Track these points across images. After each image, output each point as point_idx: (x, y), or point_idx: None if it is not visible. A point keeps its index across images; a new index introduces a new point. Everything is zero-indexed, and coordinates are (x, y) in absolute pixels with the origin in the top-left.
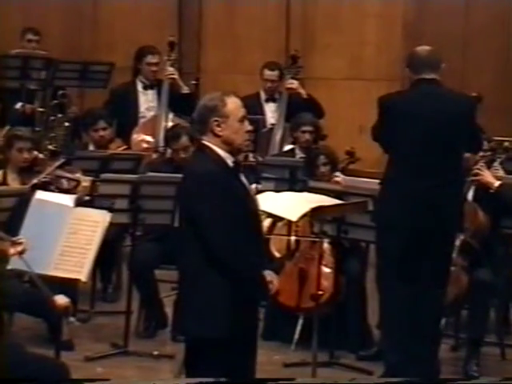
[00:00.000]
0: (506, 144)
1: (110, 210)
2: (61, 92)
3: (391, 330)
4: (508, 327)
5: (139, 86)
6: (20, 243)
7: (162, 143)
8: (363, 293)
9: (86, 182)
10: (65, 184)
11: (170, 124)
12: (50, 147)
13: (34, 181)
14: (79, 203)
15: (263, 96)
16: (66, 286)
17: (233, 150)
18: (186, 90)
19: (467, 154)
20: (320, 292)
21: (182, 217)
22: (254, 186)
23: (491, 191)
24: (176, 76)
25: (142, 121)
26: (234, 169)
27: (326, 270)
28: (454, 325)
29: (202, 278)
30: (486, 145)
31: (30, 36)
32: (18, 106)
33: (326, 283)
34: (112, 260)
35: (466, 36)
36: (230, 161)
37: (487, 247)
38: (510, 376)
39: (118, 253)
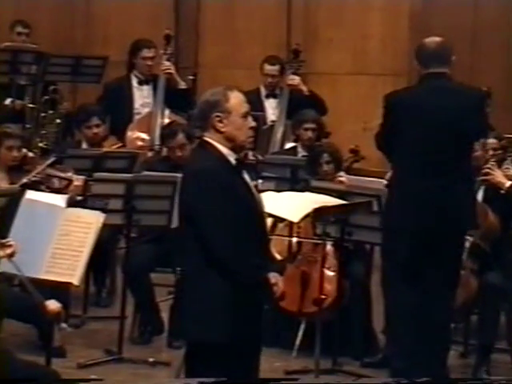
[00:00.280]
0: None
1: (104, 210)
2: (52, 87)
3: (397, 335)
4: None
5: (134, 81)
6: (9, 245)
7: (157, 141)
8: (368, 297)
9: (78, 181)
10: (56, 183)
11: (166, 121)
12: (40, 145)
13: (24, 180)
14: (71, 203)
15: (263, 92)
16: (58, 290)
17: (235, 147)
18: (182, 85)
19: (477, 153)
20: (323, 296)
21: (182, 216)
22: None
23: (502, 192)
24: (172, 71)
25: (136, 117)
26: (237, 166)
27: (329, 273)
28: (463, 330)
29: (202, 280)
30: (496, 143)
31: (19, 29)
32: (8, 101)
33: (329, 287)
34: (106, 263)
35: (475, 29)
36: (232, 158)
37: (497, 250)
38: None
39: (112, 255)
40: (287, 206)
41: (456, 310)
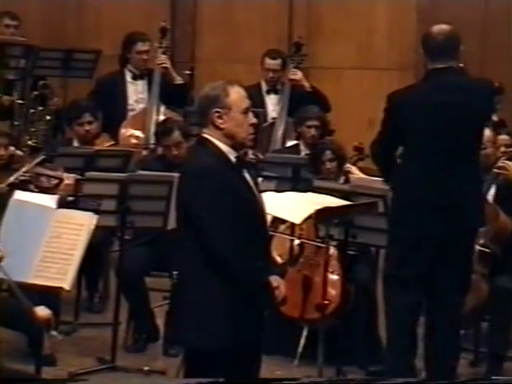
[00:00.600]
0: None
1: (96, 211)
2: (42, 82)
3: (395, 348)
4: None
5: (128, 76)
6: None
7: (152, 139)
8: (373, 302)
9: (69, 179)
10: (45, 182)
11: (162, 118)
12: (29, 143)
13: (11, 179)
14: (62, 204)
15: (264, 87)
16: (48, 295)
17: (235, 145)
18: (179, 80)
19: (487, 150)
20: (326, 302)
21: (180, 216)
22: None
23: None
24: (168, 65)
25: (130, 114)
26: (237, 164)
27: (333, 277)
28: (473, 337)
29: (201, 283)
30: (508, 139)
31: (7, 21)
32: None
33: (333, 292)
34: (98, 267)
35: (486, 22)
36: (232, 156)
37: (509, 252)
38: None
39: (105, 259)
40: (288, 206)
41: (465, 315)
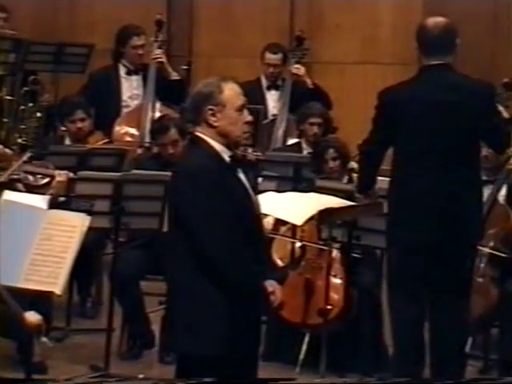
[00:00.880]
0: None
1: (89, 212)
2: (32, 78)
3: (402, 355)
4: None
5: (122, 71)
6: None
7: (147, 137)
8: (378, 307)
9: (61, 176)
10: (36, 180)
11: (157, 114)
12: (19, 141)
13: (1, 179)
14: (53, 205)
15: (264, 83)
16: (39, 300)
17: (229, 143)
18: (175, 76)
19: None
20: (329, 306)
21: (172, 218)
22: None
23: None
24: (164, 60)
25: (125, 111)
26: (231, 164)
27: (336, 281)
28: (483, 344)
29: (194, 288)
30: None
31: None
32: None
33: (336, 296)
34: (91, 270)
35: (496, 15)
36: (226, 155)
37: None
38: None
39: (98, 262)
40: (290, 207)
41: (474, 321)
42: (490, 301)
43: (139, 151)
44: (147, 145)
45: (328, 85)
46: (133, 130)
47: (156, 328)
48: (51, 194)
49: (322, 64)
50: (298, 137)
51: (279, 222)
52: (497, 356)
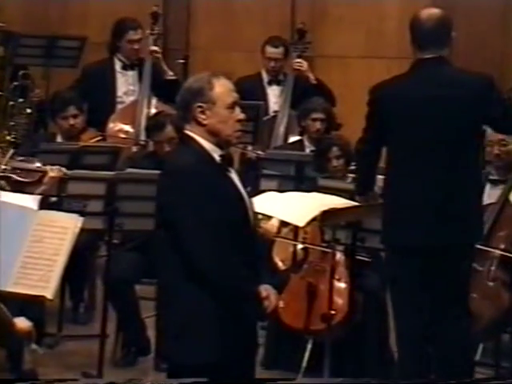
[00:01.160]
0: None
1: (82, 213)
2: (22, 72)
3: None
4: None
5: (117, 66)
6: None
7: (143, 134)
8: (384, 312)
9: (53, 172)
10: (27, 177)
11: (153, 111)
12: (8, 138)
13: None
14: (44, 205)
15: (265, 77)
16: (29, 305)
17: (220, 142)
18: (170, 75)
19: (509, 147)
20: (332, 311)
21: (159, 220)
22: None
23: None
24: (159, 56)
25: (119, 107)
26: (222, 164)
27: (340, 284)
28: (494, 352)
29: (183, 293)
30: None
31: None
32: None
33: (340, 301)
34: (84, 273)
35: (506, 9)
36: (216, 154)
37: None
38: None
39: (91, 265)
40: (291, 208)
41: (484, 327)
42: (501, 305)
43: (134, 149)
44: (142, 142)
45: (331, 80)
46: (127, 127)
47: (151, 334)
48: (43, 191)
49: (324, 58)
50: (300, 134)
51: (280, 223)
52: (508, 363)
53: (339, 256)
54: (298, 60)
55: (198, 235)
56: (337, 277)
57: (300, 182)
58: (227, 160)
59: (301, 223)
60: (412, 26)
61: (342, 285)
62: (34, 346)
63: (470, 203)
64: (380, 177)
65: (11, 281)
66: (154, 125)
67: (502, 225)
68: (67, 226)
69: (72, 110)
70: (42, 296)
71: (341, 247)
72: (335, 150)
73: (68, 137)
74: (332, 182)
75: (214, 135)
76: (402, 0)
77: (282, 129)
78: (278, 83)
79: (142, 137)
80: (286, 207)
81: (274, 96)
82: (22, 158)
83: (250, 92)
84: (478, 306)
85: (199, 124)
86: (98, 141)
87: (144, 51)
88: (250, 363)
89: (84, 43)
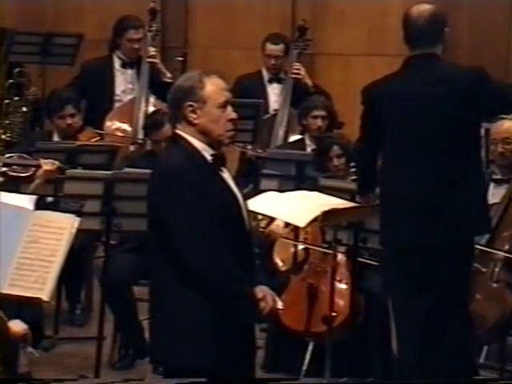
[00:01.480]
0: None
1: (79, 213)
2: (18, 70)
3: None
4: None
5: (116, 64)
6: None
7: (140, 133)
8: (386, 314)
9: (47, 165)
10: (20, 172)
11: (151, 109)
12: (3, 137)
13: None
14: (40, 205)
15: (266, 75)
16: (26, 307)
17: (212, 142)
18: (168, 77)
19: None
20: (333, 313)
21: (150, 221)
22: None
23: None
24: (157, 60)
25: (117, 105)
26: (214, 163)
27: (341, 286)
28: (498, 355)
29: (176, 295)
30: None
31: None
32: None
33: (341, 303)
34: (81, 275)
35: None
36: (208, 154)
37: None
38: None
39: (88, 266)
40: (292, 208)
41: (488, 329)
42: (505, 307)
43: (132, 148)
44: (140, 141)
45: (332, 77)
46: (125, 126)
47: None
48: (38, 185)
49: (326, 55)
50: (301, 133)
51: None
52: None
53: (340, 257)
54: (296, 65)
55: (187, 235)
56: (338, 278)
57: (301, 181)
58: (219, 160)
59: (302, 223)
60: (403, 22)
61: (343, 286)
62: (29, 349)
63: (468, 201)
64: None
65: (7, 282)
66: (152, 123)
67: (506, 225)
68: (64, 226)
69: (69, 110)
70: (38, 298)
71: (342, 248)
72: (336, 149)
73: (65, 136)
74: (333, 182)
75: (205, 135)
76: None
77: (282, 128)
78: (279, 81)
79: (140, 135)
80: (286, 207)
81: (275, 94)
82: (14, 154)
83: (250, 90)
84: (482, 308)
85: (190, 123)
86: (95, 140)
87: (143, 49)
88: (248, 366)
89: (80, 40)
